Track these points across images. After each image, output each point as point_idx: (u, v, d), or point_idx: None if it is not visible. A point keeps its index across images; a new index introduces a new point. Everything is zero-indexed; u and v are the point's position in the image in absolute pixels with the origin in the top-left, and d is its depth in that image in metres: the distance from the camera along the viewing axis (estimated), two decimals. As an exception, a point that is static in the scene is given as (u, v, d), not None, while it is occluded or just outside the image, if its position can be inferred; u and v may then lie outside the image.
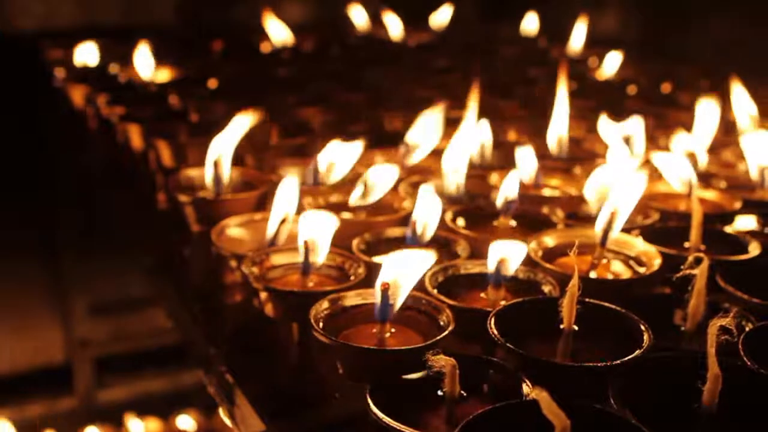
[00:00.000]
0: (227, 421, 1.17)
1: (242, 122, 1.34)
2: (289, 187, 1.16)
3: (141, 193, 1.72)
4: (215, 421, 2.80)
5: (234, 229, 1.23)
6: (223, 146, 1.33)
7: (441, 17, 3.08)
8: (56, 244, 3.00)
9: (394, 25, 2.94)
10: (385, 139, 1.57)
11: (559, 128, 1.53)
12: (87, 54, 2.34)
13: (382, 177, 1.20)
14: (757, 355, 0.83)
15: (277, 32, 2.70)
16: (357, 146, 1.32)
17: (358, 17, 3.05)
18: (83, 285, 3.05)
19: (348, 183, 1.31)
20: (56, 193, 2.89)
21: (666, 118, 1.86)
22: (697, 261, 0.92)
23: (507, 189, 1.18)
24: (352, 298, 0.97)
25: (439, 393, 0.81)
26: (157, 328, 2.95)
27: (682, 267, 0.93)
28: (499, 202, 1.18)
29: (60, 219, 2.96)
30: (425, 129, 1.40)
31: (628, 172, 1.15)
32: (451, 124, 1.63)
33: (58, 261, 3.03)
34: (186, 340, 1.39)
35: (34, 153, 2.76)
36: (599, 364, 0.80)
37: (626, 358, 0.81)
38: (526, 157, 1.39)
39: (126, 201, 1.86)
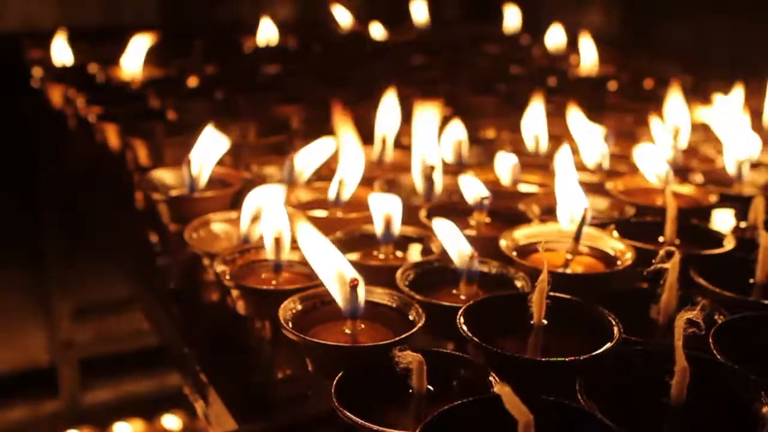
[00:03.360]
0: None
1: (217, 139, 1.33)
2: (267, 188, 1.15)
3: (120, 192, 1.71)
4: (199, 422, 2.79)
5: (208, 227, 1.23)
6: (202, 148, 1.33)
7: (424, 16, 3.07)
8: (39, 246, 2.98)
9: (376, 24, 2.93)
10: (363, 137, 1.56)
11: (536, 125, 1.53)
12: (66, 54, 2.33)
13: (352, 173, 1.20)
14: (728, 348, 0.83)
15: (264, 30, 2.69)
16: (332, 144, 1.32)
17: (342, 16, 3.04)
18: (67, 286, 3.02)
19: (323, 180, 1.30)
20: (38, 194, 2.87)
21: (646, 114, 1.85)
22: (669, 255, 0.92)
23: (477, 185, 1.18)
24: (323, 295, 0.96)
25: (408, 389, 0.80)
26: (141, 329, 2.93)
27: (653, 261, 0.92)
28: (469, 198, 1.18)
29: (42, 220, 2.94)
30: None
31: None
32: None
33: (40, 262, 3.01)
34: (164, 340, 1.38)
35: (16, 154, 2.74)
36: (566, 359, 0.79)
37: (594, 353, 0.80)
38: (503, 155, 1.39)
39: (107, 201, 1.85)
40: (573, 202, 1.13)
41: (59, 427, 2.90)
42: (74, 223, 2.71)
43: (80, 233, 2.62)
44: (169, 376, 2.94)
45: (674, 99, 1.69)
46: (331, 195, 1.20)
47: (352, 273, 0.90)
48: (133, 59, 2.15)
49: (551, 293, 0.89)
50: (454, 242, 1.00)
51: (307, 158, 1.29)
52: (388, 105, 1.53)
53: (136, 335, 2.99)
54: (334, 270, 0.91)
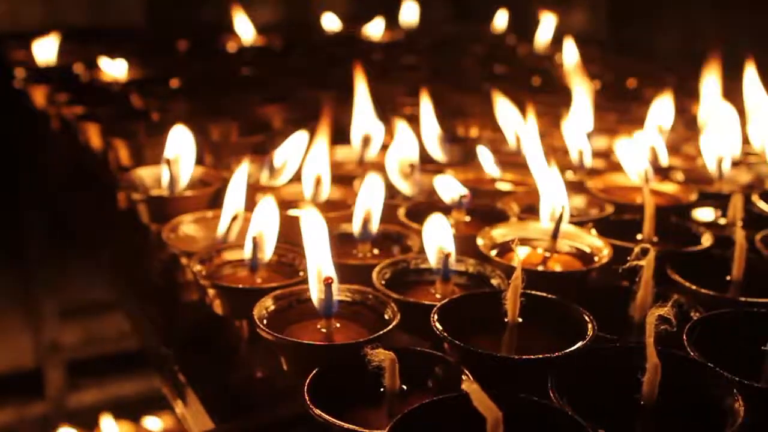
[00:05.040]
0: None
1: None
2: (239, 183, 1.15)
3: (103, 193, 1.71)
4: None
5: (187, 226, 1.22)
6: (178, 145, 1.32)
7: (410, 16, 3.07)
8: (24, 247, 2.96)
9: (364, 24, 2.93)
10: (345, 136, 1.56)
11: (518, 123, 1.53)
12: (49, 54, 2.32)
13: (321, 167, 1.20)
14: (703, 345, 0.83)
15: (245, 31, 2.68)
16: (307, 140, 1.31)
17: (328, 16, 3.04)
18: (52, 288, 3.01)
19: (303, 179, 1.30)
20: (22, 194, 2.86)
21: (629, 113, 1.86)
22: (644, 252, 0.92)
23: (453, 184, 1.17)
24: (299, 294, 0.96)
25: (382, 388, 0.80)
26: (127, 330, 2.92)
27: (628, 258, 0.92)
28: (446, 198, 1.18)
29: (27, 221, 2.93)
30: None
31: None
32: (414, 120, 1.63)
33: (26, 264, 3.00)
34: (143, 341, 1.38)
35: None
36: (539, 356, 0.79)
37: (567, 350, 0.80)
38: (484, 152, 1.39)
39: (91, 201, 1.84)
40: (552, 200, 1.13)
41: (46, 429, 2.89)
42: (59, 223, 2.70)
43: (65, 234, 2.61)
44: (157, 377, 2.92)
45: (656, 98, 1.70)
46: (307, 194, 1.20)
47: (328, 271, 0.90)
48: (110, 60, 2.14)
49: (526, 291, 0.89)
50: (436, 240, 0.99)
51: (286, 157, 1.29)
52: (371, 104, 1.52)
53: (122, 336, 2.98)
54: (314, 267, 0.91)
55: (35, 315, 3.04)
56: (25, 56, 2.40)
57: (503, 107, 1.56)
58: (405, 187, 1.24)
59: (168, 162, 1.29)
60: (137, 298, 1.38)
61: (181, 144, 1.31)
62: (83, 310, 3.05)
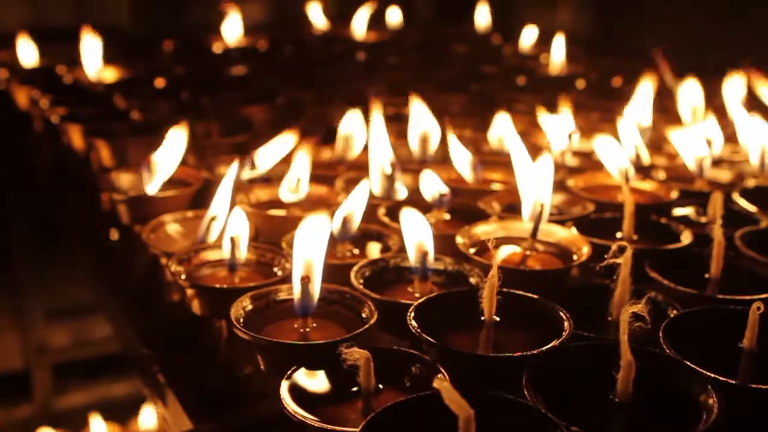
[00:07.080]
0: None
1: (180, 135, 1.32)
2: (226, 185, 1.15)
3: (87, 194, 1.70)
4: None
5: (167, 226, 1.22)
6: (164, 148, 1.32)
7: (396, 16, 3.07)
8: (10, 249, 2.95)
9: (350, 24, 2.93)
10: (330, 136, 1.56)
11: (500, 123, 1.53)
12: (33, 55, 2.31)
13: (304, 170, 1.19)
14: (679, 343, 0.83)
15: (230, 31, 2.67)
16: (291, 142, 1.31)
17: (315, 17, 3.03)
18: (39, 290, 3.00)
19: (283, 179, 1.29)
20: (8, 196, 2.85)
21: (613, 111, 1.86)
22: (621, 250, 0.92)
23: (433, 182, 1.17)
24: (276, 293, 0.96)
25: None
26: (115, 332, 2.90)
27: (606, 256, 0.92)
28: (428, 196, 1.17)
29: (13, 222, 2.91)
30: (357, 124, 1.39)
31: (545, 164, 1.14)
32: (400, 120, 1.63)
33: (13, 266, 2.98)
34: (124, 342, 1.38)
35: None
36: (513, 354, 0.79)
37: (542, 348, 0.80)
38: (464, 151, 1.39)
39: (76, 203, 1.83)
40: (532, 198, 1.13)
41: (33, 431, 2.88)
42: (45, 225, 2.69)
43: (51, 235, 2.60)
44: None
45: (639, 96, 1.70)
46: (283, 193, 1.19)
47: (308, 270, 0.90)
48: (94, 60, 2.13)
49: (503, 289, 0.89)
50: (415, 238, 0.99)
51: (267, 157, 1.29)
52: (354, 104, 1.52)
53: (109, 338, 2.97)
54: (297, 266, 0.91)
55: (22, 317, 3.03)
56: (8, 57, 2.39)
57: (487, 106, 1.57)
58: (377, 190, 1.23)
59: (149, 162, 1.28)
60: (119, 298, 1.37)
61: (168, 146, 1.30)
62: (70, 312, 3.04)
